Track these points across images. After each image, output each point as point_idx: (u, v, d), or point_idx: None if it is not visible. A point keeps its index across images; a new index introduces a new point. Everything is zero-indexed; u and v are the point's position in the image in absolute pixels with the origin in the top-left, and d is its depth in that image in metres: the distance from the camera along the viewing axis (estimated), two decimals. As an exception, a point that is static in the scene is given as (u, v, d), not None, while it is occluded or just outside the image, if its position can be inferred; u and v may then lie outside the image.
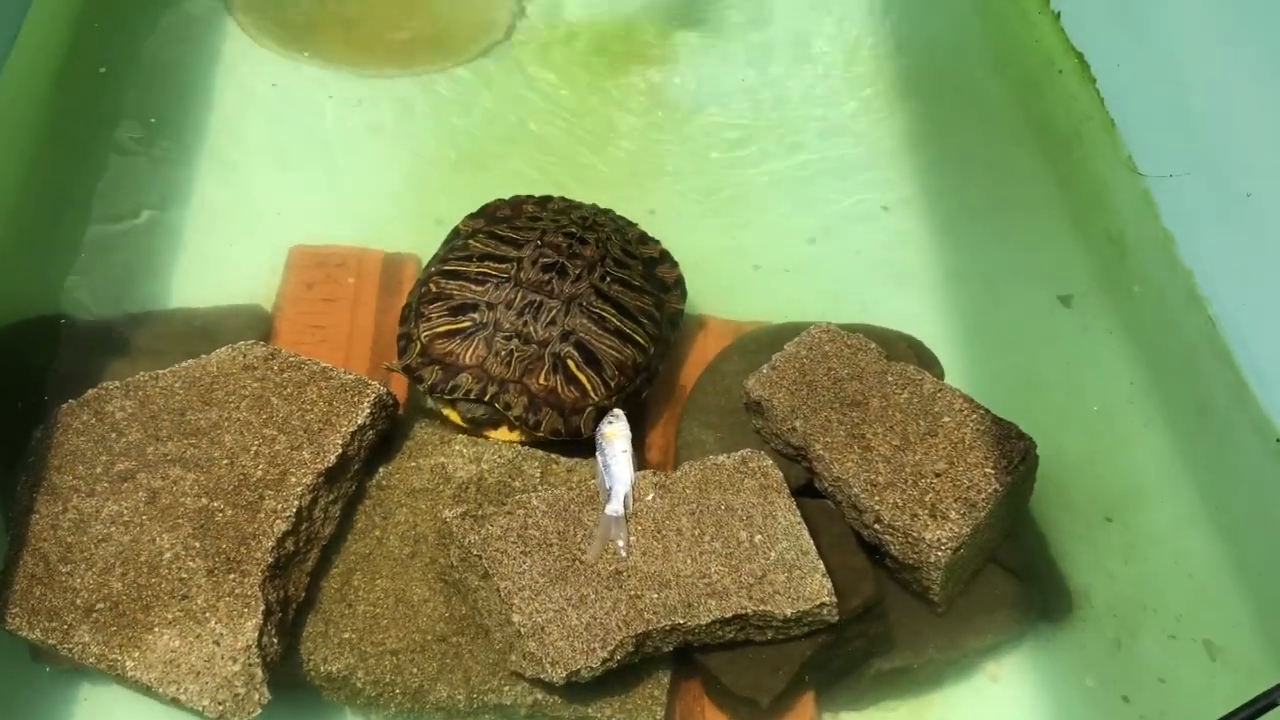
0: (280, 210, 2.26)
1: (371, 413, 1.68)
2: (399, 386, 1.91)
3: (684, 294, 2.01)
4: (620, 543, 1.58)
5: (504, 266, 1.87)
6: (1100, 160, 2.45)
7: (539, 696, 1.54)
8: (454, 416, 1.80)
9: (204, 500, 1.58)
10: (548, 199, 2.12)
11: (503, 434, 1.80)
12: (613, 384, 1.80)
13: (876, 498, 1.66)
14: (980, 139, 2.60)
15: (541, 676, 1.48)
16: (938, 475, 1.69)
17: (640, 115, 2.56)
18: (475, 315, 1.82)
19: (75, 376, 1.78)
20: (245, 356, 1.74)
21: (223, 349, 1.75)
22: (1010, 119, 2.64)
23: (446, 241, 2.02)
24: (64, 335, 1.92)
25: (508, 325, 1.81)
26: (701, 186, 2.43)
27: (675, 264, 2.05)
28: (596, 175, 2.41)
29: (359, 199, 2.30)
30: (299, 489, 1.58)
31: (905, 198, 2.44)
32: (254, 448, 1.63)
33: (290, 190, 2.31)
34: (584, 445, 1.76)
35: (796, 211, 2.40)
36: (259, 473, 1.60)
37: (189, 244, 2.17)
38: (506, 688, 1.55)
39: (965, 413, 1.76)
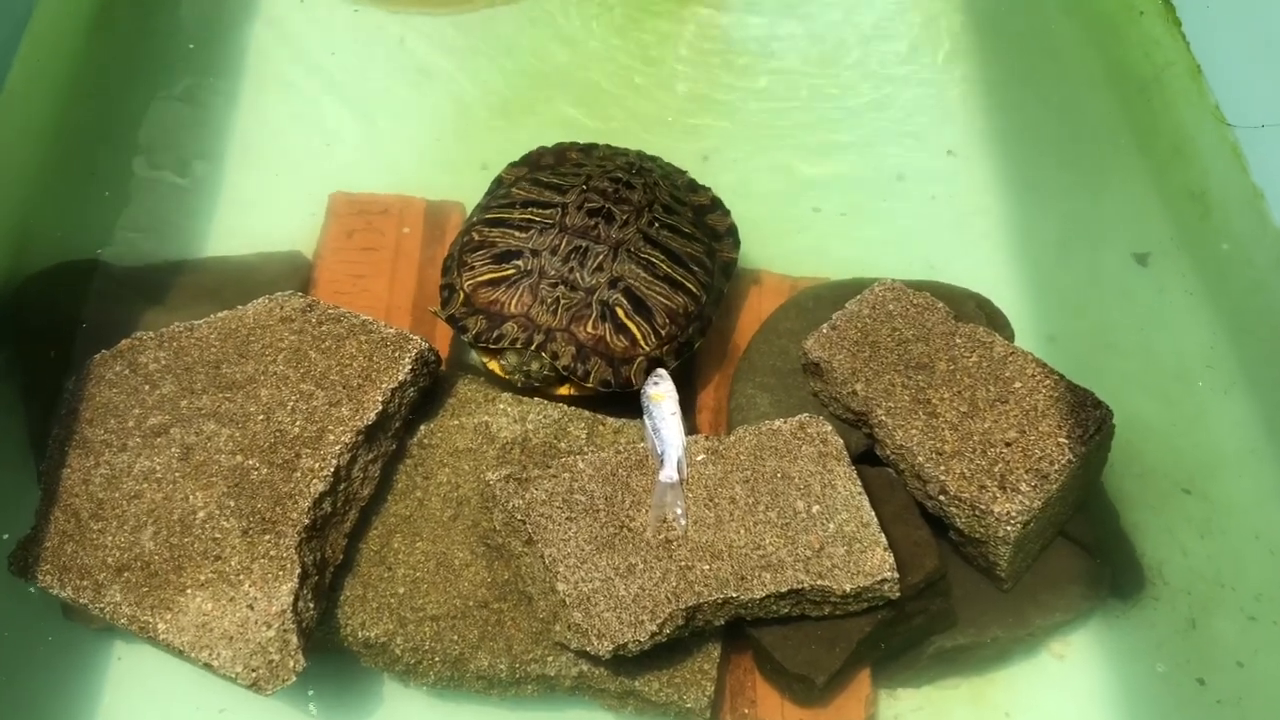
0: (320, 154, 2.18)
1: (413, 369, 1.61)
2: (442, 341, 1.84)
3: (737, 243, 1.92)
4: (678, 510, 1.50)
5: (548, 212, 1.80)
6: (1184, 109, 2.31)
7: (584, 668, 1.48)
8: (496, 368, 1.72)
9: (239, 457, 1.52)
10: (593, 146, 2.03)
11: (550, 390, 1.72)
12: (663, 332, 1.72)
13: (942, 467, 1.57)
14: (1052, 86, 2.45)
15: (587, 649, 1.42)
16: (1008, 444, 1.59)
17: (694, 57, 2.45)
18: (519, 262, 1.75)
19: (109, 325, 1.73)
20: (283, 308, 1.67)
21: (259, 300, 1.68)
22: (1085, 64, 2.49)
23: (489, 190, 1.95)
24: (98, 282, 1.87)
25: (553, 272, 1.73)
26: (757, 132, 2.32)
27: (727, 212, 1.96)
28: (648, 119, 2.31)
29: (401, 143, 2.22)
30: (337, 447, 1.52)
31: (972, 147, 2.32)
32: (291, 403, 1.57)
33: (330, 133, 2.23)
34: (632, 404, 1.68)
35: (857, 159, 2.29)
36: (296, 430, 1.54)
37: (227, 187, 2.11)
38: (550, 658, 1.49)
39: (1038, 378, 1.66)
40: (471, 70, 2.37)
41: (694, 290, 1.77)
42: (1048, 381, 1.66)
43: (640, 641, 1.41)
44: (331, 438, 1.53)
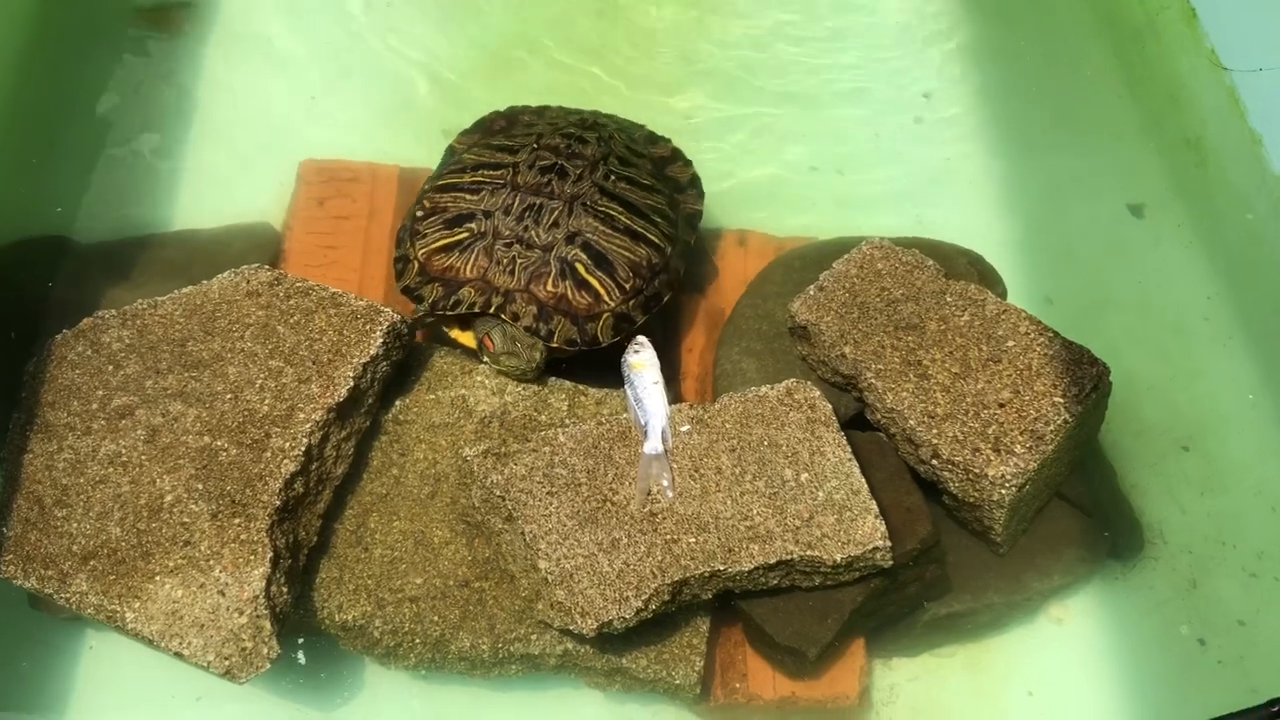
0: (290, 120, 2.12)
1: (385, 342, 1.55)
2: (417, 312, 1.78)
3: (701, 194, 1.87)
4: (664, 482, 1.45)
5: (499, 173, 1.74)
6: (1178, 54, 2.24)
7: (569, 646, 1.44)
8: (458, 336, 1.67)
9: (206, 438, 1.46)
10: (545, 108, 1.98)
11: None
12: (627, 286, 1.67)
13: (934, 430, 1.53)
14: (1042, 31, 2.40)
15: (570, 628, 1.37)
16: (1001, 405, 1.54)
17: (677, 14, 2.37)
18: (472, 225, 1.69)
19: (71, 303, 1.68)
20: (249, 282, 1.61)
21: (225, 274, 1.63)
22: (1076, 8, 2.43)
23: (443, 161, 1.89)
24: (59, 259, 1.81)
25: (507, 231, 1.67)
26: (740, 89, 2.26)
27: (689, 163, 1.91)
28: (630, 79, 2.24)
29: (371, 107, 2.16)
30: (308, 426, 1.47)
31: (961, 99, 2.26)
32: (259, 381, 1.51)
33: (299, 99, 2.16)
34: (614, 374, 1.62)
35: (845, 115, 2.23)
36: (265, 408, 1.49)
37: (192, 157, 2.04)
38: (534, 636, 1.44)
39: (1032, 336, 1.61)
40: (443, 31, 2.30)
41: (657, 242, 1.72)
42: (1042, 339, 1.61)
43: (625, 618, 1.37)
44: (302, 416, 1.48)
